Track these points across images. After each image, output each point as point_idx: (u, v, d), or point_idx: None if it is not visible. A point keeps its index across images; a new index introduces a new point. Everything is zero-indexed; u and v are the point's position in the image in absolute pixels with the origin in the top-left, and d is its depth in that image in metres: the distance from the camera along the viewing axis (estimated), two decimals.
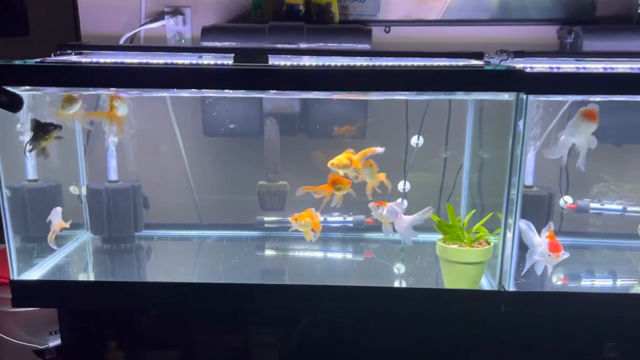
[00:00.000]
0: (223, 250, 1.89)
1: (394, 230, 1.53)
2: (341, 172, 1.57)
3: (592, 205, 1.85)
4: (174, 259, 1.83)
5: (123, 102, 1.66)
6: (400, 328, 1.67)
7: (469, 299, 1.47)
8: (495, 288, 1.48)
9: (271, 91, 1.75)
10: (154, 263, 1.84)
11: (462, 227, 1.53)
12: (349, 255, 1.90)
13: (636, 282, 1.67)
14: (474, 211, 1.57)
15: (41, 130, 1.49)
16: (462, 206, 1.92)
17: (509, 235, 1.44)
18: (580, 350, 1.55)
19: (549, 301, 1.46)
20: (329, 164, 1.57)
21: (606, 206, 1.85)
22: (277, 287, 1.61)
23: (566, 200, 1.88)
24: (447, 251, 1.50)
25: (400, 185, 1.97)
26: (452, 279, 1.51)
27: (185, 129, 1.96)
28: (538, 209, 1.76)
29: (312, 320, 1.80)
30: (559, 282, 1.68)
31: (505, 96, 1.46)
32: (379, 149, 1.56)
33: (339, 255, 1.91)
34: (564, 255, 1.42)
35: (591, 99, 1.53)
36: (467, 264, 1.48)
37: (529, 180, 1.80)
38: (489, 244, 1.51)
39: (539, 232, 1.47)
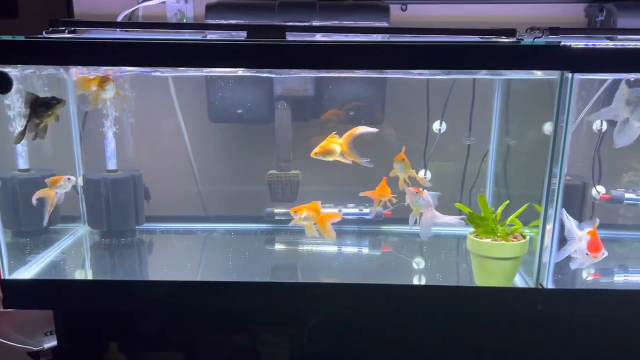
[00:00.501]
0: (230, 244, 1.75)
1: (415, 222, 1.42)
2: (330, 159, 1.47)
3: (627, 195, 1.73)
4: (178, 254, 1.70)
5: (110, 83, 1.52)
6: (425, 330, 1.55)
7: (503, 297, 1.35)
8: (532, 285, 1.36)
9: (284, 72, 1.62)
10: (157, 259, 1.70)
11: (495, 220, 1.40)
12: (366, 250, 1.77)
13: None
14: (507, 202, 1.44)
15: (42, 105, 1.33)
16: (487, 197, 1.79)
17: (549, 228, 1.32)
18: (623, 353, 1.44)
19: (592, 300, 1.34)
20: (312, 154, 1.46)
21: None
22: (288, 285, 1.48)
23: (599, 190, 1.76)
24: (479, 245, 1.37)
25: (421, 175, 1.84)
26: (485, 276, 1.39)
27: (189, 114, 1.82)
28: (571, 199, 1.64)
29: (326, 319, 1.68)
30: (590, 278, 1.57)
31: (539, 74, 1.33)
32: (369, 130, 1.44)
33: (354, 250, 1.78)
34: (603, 255, 1.31)
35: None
36: (502, 260, 1.36)
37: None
38: (524, 237, 1.39)
39: None
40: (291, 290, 1.46)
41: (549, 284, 1.34)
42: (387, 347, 1.62)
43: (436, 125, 1.80)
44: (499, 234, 1.38)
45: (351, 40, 1.33)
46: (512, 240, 1.37)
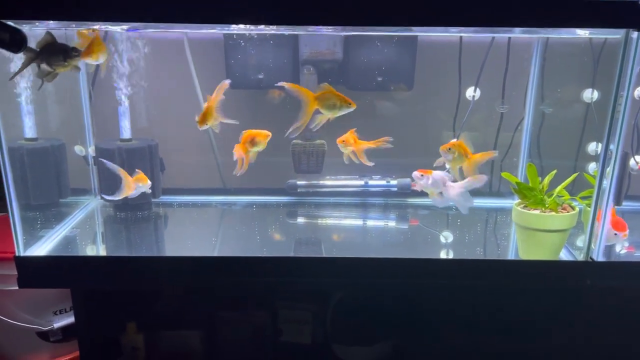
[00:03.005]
0: (251, 218, 1.66)
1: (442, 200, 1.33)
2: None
3: None
4: (197, 228, 1.60)
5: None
6: (467, 306, 1.49)
7: (552, 271, 1.29)
8: (582, 258, 1.29)
9: (310, 33, 1.51)
10: (175, 234, 1.60)
11: (542, 190, 1.33)
12: (392, 223, 1.69)
13: None
14: (554, 171, 1.36)
15: (59, 52, 1.20)
16: (520, 168, 1.72)
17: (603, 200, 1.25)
18: None
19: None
20: (338, 141, 1.44)
21: None
22: (312, 260, 1.39)
23: (637, 161, 1.70)
24: (527, 217, 1.30)
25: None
26: (532, 249, 1.32)
27: (207, 79, 1.70)
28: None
29: (352, 295, 1.61)
30: (624, 251, 1.51)
31: (581, 33, 1.24)
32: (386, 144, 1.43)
33: (381, 223, 1.70)
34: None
35: None
36: (550, 232, 1.29)
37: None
38: (573, 209, 1.32)
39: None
40: (314, 265, 1.38)
41: (599, 257, 1.28)
42: (415, 323, 1.56)
43: (470, 92, 1.70)
44: (547, 205, 1.31)
45: None
46: (562, 212, 1.30)
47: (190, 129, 1.75)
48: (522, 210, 1.31)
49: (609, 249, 1.45)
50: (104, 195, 1.51)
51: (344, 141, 1.43)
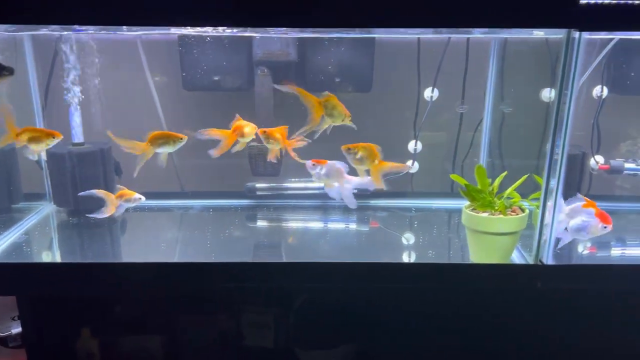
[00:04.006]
0: (209, 222, 1.64)
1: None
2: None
3: (627, 165, 1.65)
4: (153, 233, 1.58)
5: None
6: (419, 309, 1.47)
7: (502, 275, 1.27)
8: (532, 262, 1.28)
9: (262, 35, 1.49)
10: (130, 239, 1.58)
11: (492, 192, 1.31)
12: (353, 226, 1.68)
13: None
14: (505, 173, 1.35)
15: None
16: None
17: (550, 201, 1.23)
18: (625, 328, 1.38)
19: (593, 275, 1.26)
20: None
21: None
22: (272, 265, 1.37)
23: (597, 160, 1.68)
24: (476, 220, 1.28)
25: (411, 146, 1.74)
26: (482, 252, 1.31)
27: (162, 81, 1.68)
28: (570, 170, 1.55)
29: (311, 298, 1.59)
30: (586, 252, 1.50)
31: (538, 33, 1.23)
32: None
33: (341, 226, 1.68)
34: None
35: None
36: (500, 235, 1.27)
37: None
38: (523, 211, 1.30)
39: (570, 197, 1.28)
40: (274, 270, 1.36)
41: (549, 260, 1.26)
42: (377, 326, 1.55)
43: (428, 93, 1.69)
44: (497, 208, 1.29)
45: None
46: (511, 214, 1.28)
47: (146, 132, 1.74)
48: (471, 212, 1.30)
49: (571, 249, 1.44)
50: (87, 215, 1.48)
51: (265, 132, 1.36)
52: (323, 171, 1.29)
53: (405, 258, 1.42)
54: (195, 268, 1.34)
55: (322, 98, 1.31)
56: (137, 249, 1.53)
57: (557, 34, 1.14)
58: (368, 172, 1.31)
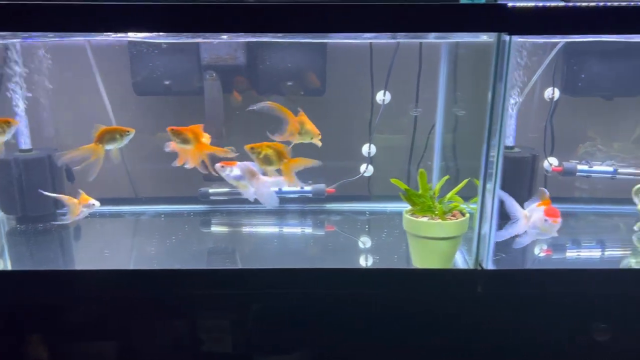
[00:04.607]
0: (162, 228, 1.63)
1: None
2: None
3: (580, 167, 1.64)
4: (103, 240, 1.57)
5: None
6: (363, 313, 1.46)
7: (440, 280, 1.26)
8: (472, 266, 1.27)
9: (208, 41, 1.49)
10: (81, 246, 1.57)
11: (433, 197, 1.30)
12: (309, 230, 1.67)
13: (629, 254, 1.48)
14: (446, 177, 1.34)
15: None
16: (435, 171, 1.70)
17: (488, 204, 1.22)
18: (567, 333, 1.36)
19: (532, 280, 1.25)
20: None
21: (595, 168, 1.64)
22: (226, 272, 1.37)
23: (551, 162, 1.67)
24: (415, 224, 1.27)
25: (365, 148, 1.73)
26: (422, 257, 1.30)
27: (113, 86, 1.67)
28: (520, 172, 1.55)
29: (267, 303, 1.58)
30: (542, 254, 1.49)
31: (484, 37, 1.23)
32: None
33: (296, 230, 1.67)
34: (560, 221, 1.22)
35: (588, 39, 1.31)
36: (439, 239, 1.26)
37: (509, 140, 1.58)
38: (464, 215, 1.29)
39: (522, 199, 1.27)
40: (228, 277, 1.36)
41: (489, 265, 1.26)
42: (329, 331, 1.53)
43: (380, 96, 1.68)
44: (436, 212, 1.28)
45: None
46: (451, 219, 1.28)
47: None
48: (410, 217, 1.29)
49: (525, 250, 1.43)
50: (52, 222, 1.52)
51: (172, 129, 1.33)
52: (233, 173, 1.27)
53: (349, 263, 1.41)
54: (145, 275, 1.34)
55: (297, 116, 1.34)
56: (87, 256, 1.51)
57: (488, 38, 1.14)
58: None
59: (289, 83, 1.63)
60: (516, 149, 1.58)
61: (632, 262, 1.45)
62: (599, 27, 1.13)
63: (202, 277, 1.35)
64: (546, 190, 1.25)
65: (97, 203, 1.45)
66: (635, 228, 1.50)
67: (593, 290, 1.31)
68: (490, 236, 1.24)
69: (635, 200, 1.49)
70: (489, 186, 1.22)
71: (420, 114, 1.71)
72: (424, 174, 1.31)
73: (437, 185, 1.33)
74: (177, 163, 1.35)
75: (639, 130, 1.77)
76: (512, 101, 1.54)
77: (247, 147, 1.27)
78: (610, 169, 1.63)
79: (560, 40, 1.44)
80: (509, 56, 1.11)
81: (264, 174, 1.30)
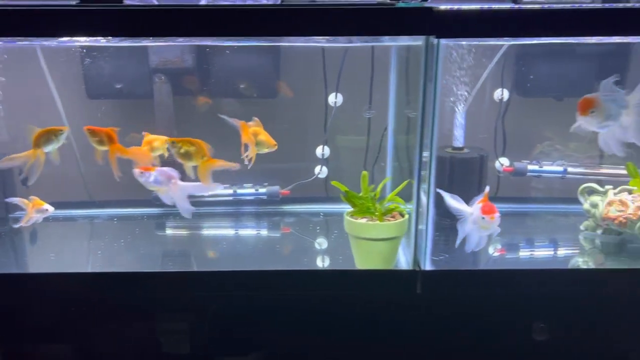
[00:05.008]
0: (117, 231, 1.64)
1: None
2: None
3: (530, 167, 1.65)
4: (55, 243, 1.57)
5: None
6: (311, 313, 1.47)
7: (378, 281, 1.27)
8: (410, 267, 1.28)
9: (154, 42, 1.49)
10: (33, 250, 1.57)
11: (373, 198, 1.31)
12: (264, 232, 1.67)
13: (576, 254, 1.49)
14: (387, 179, 1.35)
15: None
16: (388, 172, 1.70)
17: (425, 204, 1.23)
18: (507, 332, 1.38)
19: (471, 281, 1.27)
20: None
21: (545, 168, 1.66)
22: (180, 274, 1.37)
23: (502, 163, 1.69)
24: (354, 226, 1.28)
25: (319, 150, 1.74)
26: (362, 258, 1.31)
27: (65, 90, 1.67)
28: (469, 172, 1.56)
29: (223, 304, 1.59)
30: (489, 254, 1.50)
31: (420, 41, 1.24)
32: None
33: (252, 232, 1.68)
34: (498, 217, 1.22)
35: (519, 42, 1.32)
36: (378, 240, 1.27)
37: (459, 140, 1.59)
38: (403, 216, 1.30)
39: (470, 198, 1.28)
40: (182, 279, 1.36)
41: (427, 266, 1.26)
42: (274, 332, 1.54)
43: (332, 98, 1.69)
44: (375, 213, 1.29)
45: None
46: (390, 220, 1.29)
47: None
48: (350, 219, 1.30)
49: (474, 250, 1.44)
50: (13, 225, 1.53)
51: (88, 129, 1.34)
52: (151, 178, 1.28)
53: (296, 265, 1.41)
54: (99, 277, 1.35)
55: (252, 126, 1.37)
56: (39, 260, 1.52)
57: (416, 41, 1.15)
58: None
59: (241, 86, 1.64)
60: (465, 150, 1.59)
61: (579, 262, 1.46)
62: (528, 30, 1.15)
63: (148, 280, 1.36)
64: (487, 187, 1.25)
65: (50, 208, 1.46)
66: (582, 227, 1.51)
67: (534, 290, 1.32)
68: (426, 236, 1.25)
69: (582, 199, 1.50)
70: (426, 186, 1.23)
71: (374, 116, 1.72)
72: (366, 176, 1.32)
73: (378, 186, 1.34)
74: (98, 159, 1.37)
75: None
76: (460, 104, 1.56)
77: (168, 141, 1.28)
78: (560, 168, 1.65)
79: (497, 42, 1.45)
80: (437, 59, 1.12)
81: (183, 178, 1.30)
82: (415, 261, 1.27)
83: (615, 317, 1.45)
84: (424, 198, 1.25)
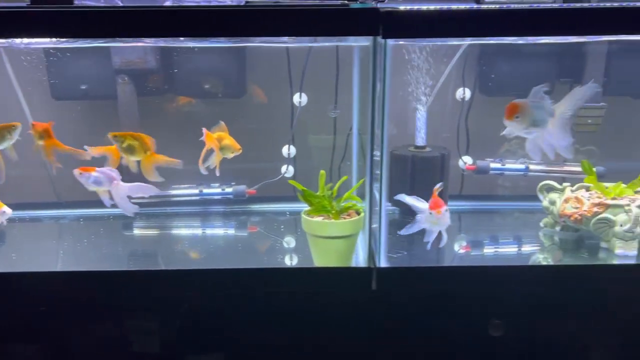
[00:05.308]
0: (84, 232, 1.64)
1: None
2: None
3: (493, 165, 1.67)
4: (26, 244, 1.58)
5: None
6: (271, 311, 1.48)
7: (334, 279, 1.28)
8: (365, 265, 1.29)
9: (119, 42, 1.50)
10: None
11: (331, 197, 1.32)
12: (232, 231, 1.69)
13: (528, 252, 1.51)
14: (345, 178, 1.37)
15: None
16: (354, 171, 1.72)
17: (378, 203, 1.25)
18: (463, 328, 1.39)
19: (423, 278, 1.28)
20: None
21: (508, 166, 1.67)
22: (147, 273, 1.38)
23: (465, 161, 1.70)
24: (310, 224, 1.30)
25: (285, 150, 1.75)
26: (319, 256, 1.32)
27: (31, 91, 1.68)
28: (430, 171, 1.58)
29: (191, 303, 1.60)
30: (461, 251, 1.51)
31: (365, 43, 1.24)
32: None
33: (220, 231, 1.69)
34: (446, 211, 1.25)
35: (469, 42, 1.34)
36: (333, 238, 1.28)
37: (421, 139, 1.61)
38: (359, 214, 1.32)
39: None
40: (149, 278, 1.37)
41: (381, 263, 1.28)
42: (232, 330, 1.55)
43: (296, 98, 1.70)
44: (332, 212, 1.30)
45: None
46: (345, 218, 1.30)
47: (17, 142, 1.74)
48: (306, 217, 1.31)
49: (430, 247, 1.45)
50: None
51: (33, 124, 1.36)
52: (91, 179, 1.29)
53: (257, 263, 1.42)
54: (66, 277, 1.36)
55: (214, 132, 1.39)
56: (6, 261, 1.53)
57: (364, 42, 1.16)
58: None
59: (206, 86, 1.65)
60: (427, 149, 1.61)
61: (539, 258, 1.48)
62: (476, 30, 1.16)
63: (113, 278, 1.37)
64: (439, 184, 1.27)
65: (8, 210, 1.46)
66: (541, 224, 1.53)
67: (491, 287, 1.34)
68: (380, 234, 1.26)
69: (541, 197, 1.52)
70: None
71: (341, 115, 1.73)
72: (323, 175, 1.34)
73: (336, 185, 1.35)
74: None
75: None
76: (421, 104, 1.58)
77: (110, 135, 1.29)
78: (522, 166, 1.67)
79: (453, 42, 1.47)
80: (385, 59, 1.14)
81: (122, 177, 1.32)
82: (371, 258, 1.29)
83: (573, 313, 1.47)
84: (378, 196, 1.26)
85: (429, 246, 1.28)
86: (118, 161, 1.37)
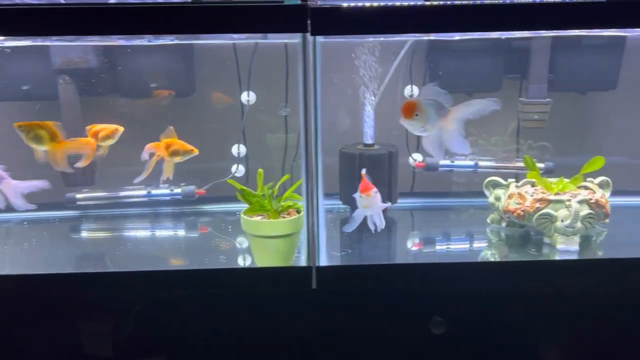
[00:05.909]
0: (29, 235, 1.61)
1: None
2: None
3: (442, 162, 1.67)
4: None
5: None
6: (214, 311, 1.46)
7: (273, 278, 1.27)
8: (305, 264, 1.28)
9: (62, 41, 1.48)
10: None
11: (271, 196, 1.31)
12: (182, 232, 1.66)
13: (476, 248, 1.51)
14: (287, 176, 1.35)
15: None
16: (303, 170, 1.70)
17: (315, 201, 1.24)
18: (406, 326, 1.38)
19: (364, 275, 1.27)
20: None
21: (457, 163, 1.67)
22: (94, 275, 1.35)
23: (415, 158, 1.70)
24: (249, 224, 1.28)
25: (234, 149, 1.74)
26: (259, 255, 1.30)
27: None
28: (377, 168, 1.57)
29: (144, 306, 1.57)
30: (414, 249, 1.51)
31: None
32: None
33: (170, 232, 1.67)
34: (375, 193, 1.25)
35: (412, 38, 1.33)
36: (273, 238, 1.27)
37: (369, 137, 1.60)
38: (299, 213, 1.30)
39: (382, 195, 1.28)
40: (99, 281, 1.35)
41: (321, 262, 1.27)
42: (174, 332, 1.53)
43: (244, 97, 1.68)
44: (270, 211, 1.29)
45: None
46: (285, 217, 1.29)
47: None
48: (245, 217, 1.29)
49: (375, 246, 1.43)
50: None
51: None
52: None
53: (200, 264, 1.40)
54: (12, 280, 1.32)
55: (163, 138, 1.40)
56: None
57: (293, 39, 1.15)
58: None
59: (153, 85, 1.63)
60: (376, 147, 1.60)
61: (487, 254, 1.48)
62: (410, 26, 1.16)
63: (59, 281, 1.34)
64: (364, 170, 1.28)
65: None
66: (488, 220, 1.53)
67: (434, 284, 1.33)
68: (317, 233, 1.25)
69: (487, 193, 1.52)
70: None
71: (290, 114, 1.72)
72: (261, 174, 1.32)
73: (277, 184, 1.34)
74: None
75: (513, 124, 1.82)
76: (368, 101, 1.57)
77: (15, 125, 1.27)
78: (472, 163, 1.67)
79: (397, 39, 1.46)
80: (315, 56, 1.12)
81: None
82: (310, 257, 1.27)
83: (521, 309, 1.47)
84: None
85: (348, 229, 1.27)
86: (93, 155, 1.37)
